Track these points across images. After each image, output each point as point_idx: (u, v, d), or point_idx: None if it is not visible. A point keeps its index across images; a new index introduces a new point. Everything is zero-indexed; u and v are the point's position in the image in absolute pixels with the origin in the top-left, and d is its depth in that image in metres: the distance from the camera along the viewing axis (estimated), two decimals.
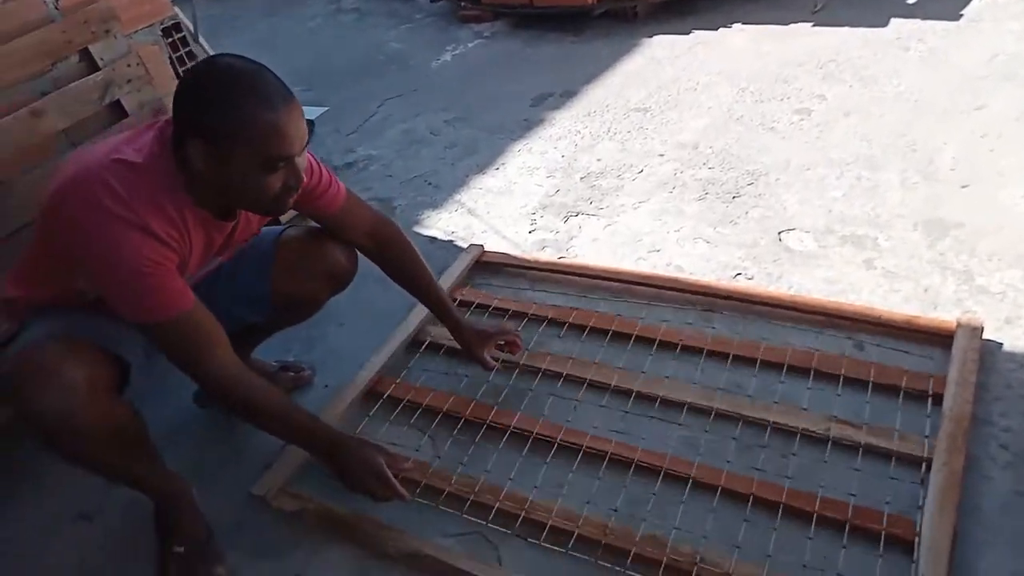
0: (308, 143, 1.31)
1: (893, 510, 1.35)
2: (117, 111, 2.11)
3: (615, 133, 2.72)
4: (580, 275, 2.05)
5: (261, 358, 1.91)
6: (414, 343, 1.96)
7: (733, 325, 1.80)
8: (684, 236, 2.14)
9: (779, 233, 2.07)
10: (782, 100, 2.68)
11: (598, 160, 2.58)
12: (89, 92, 2.00)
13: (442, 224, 2.44)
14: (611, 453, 1.55)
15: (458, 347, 1.85)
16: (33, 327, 1.36)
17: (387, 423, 1.73)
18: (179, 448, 1.68)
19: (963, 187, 2.07)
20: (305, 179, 1.32)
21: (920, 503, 1.34)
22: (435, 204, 2.56)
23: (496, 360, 1.78)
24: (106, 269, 1.24)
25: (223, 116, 1.20)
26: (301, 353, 2.02)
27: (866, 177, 2.20)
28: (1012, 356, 1.58)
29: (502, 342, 1.79)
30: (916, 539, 1.28)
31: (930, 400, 1.52)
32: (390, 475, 1.50)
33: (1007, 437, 1.44)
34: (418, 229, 2.43)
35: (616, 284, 2.00)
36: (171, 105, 1.25)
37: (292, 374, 1.92)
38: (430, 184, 2.68)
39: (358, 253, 1.69)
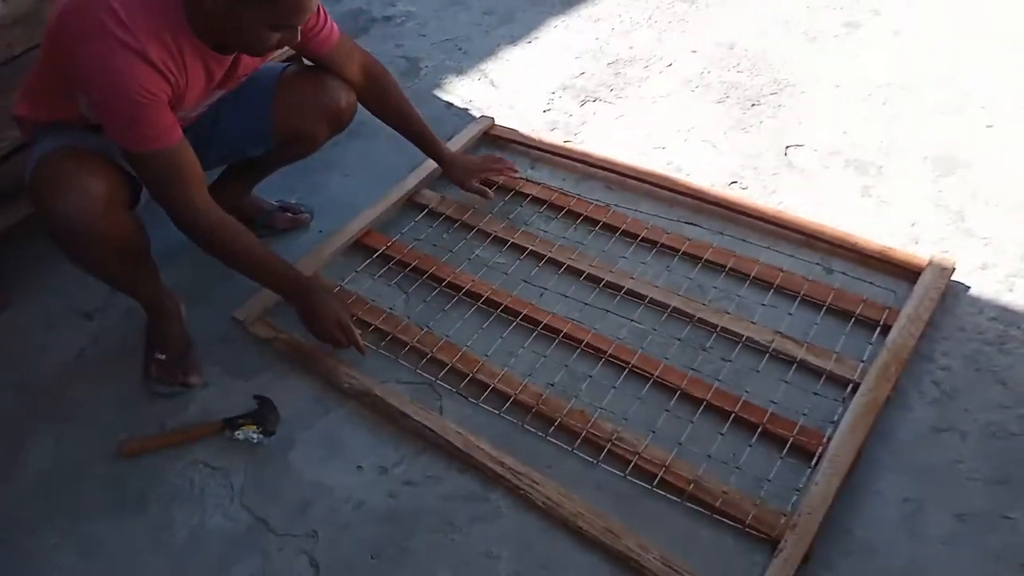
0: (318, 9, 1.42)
1: (809, 423, 1.41)
2: None
3: (655, 22, 2.64)
4: (580, 161, 2.06)
5: (262, 196, 2.01)
6: (411, 203, 2.03)
7: (714, 231, 1.82)
8: (692, 137, 2.12)
9: (786, 147, 2.04)
10: (835, 10, 2.55)
11: (630, 48, 2.52)
12: None
13: (462, 92, 2.45)
14: (564, 332, 1.63)
15: (452, 216, 1.94)
16: (46, 140, 1.45)
17: (372, 278, 1.83)
18: (176, 267, 1.81)
19: (988, 126, 1.99)
20: (298, 39, 1.41)
21: (834, 419, 1.41)
22: (460, 70, 2.55)
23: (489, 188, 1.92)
24: (102, 92, 1.31)
25: None
26: (304, 196, 2.11)
27: (892, 102, 2.12)
28: (975, 301, 1.59)
29: (488, 176, 1.91)
30: (819, 449, 1.36)
31: (878, 330, 1.55)
32: (351, 325, 1.60)
33: (942, 375, 1.47)
34: (438, 93, 2.44)
35: (612, 175, 2.02)
36: None
37: (290, 215, 2.02)
38: (460, 49, 2.66)
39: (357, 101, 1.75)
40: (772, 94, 2.22)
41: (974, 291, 1.61)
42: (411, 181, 2.05)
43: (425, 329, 1.68)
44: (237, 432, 1.52)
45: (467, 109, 2.36)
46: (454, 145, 2.12)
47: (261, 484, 1.47)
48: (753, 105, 2.19)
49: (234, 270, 1.55)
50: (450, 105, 2.39)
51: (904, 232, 1.76)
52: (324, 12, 1.59)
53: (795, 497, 1.31)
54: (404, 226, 1.96)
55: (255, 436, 1.52)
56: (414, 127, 1.86)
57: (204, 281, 1.83)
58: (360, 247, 1.92)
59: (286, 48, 1.84)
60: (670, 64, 2.42)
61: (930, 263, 1.62)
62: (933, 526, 1.27)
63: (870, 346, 1.52)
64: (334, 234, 1.93)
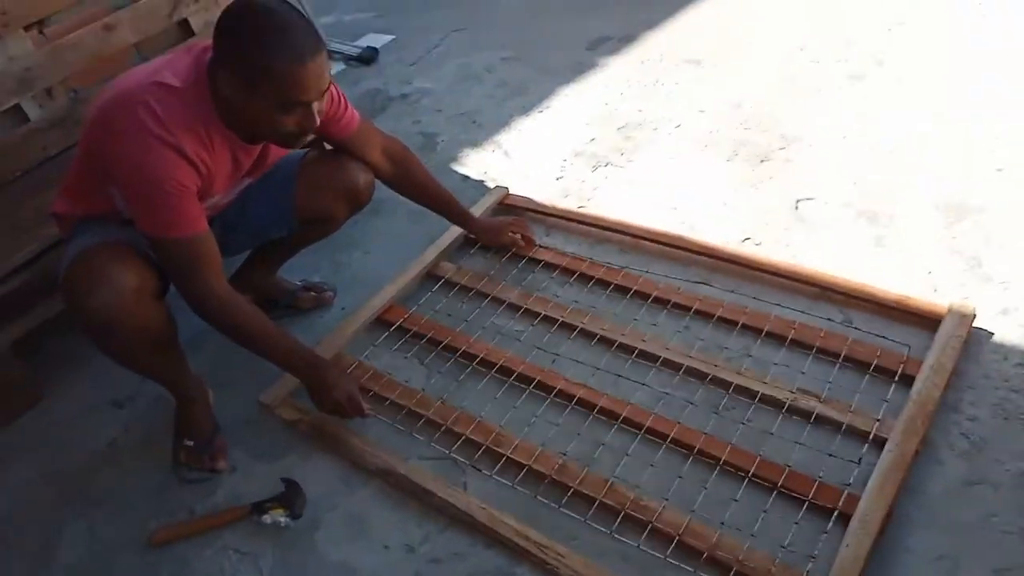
0: (328, 86, 1.43)
1: (834, 481, 1.39)
2: (185, 29, 2.27)
3: (662, 84, 2.70)
4: (594, 226, 2.10)
5: (288, 275, 2.07)
6: (429, 276, 2.07)
7: (727, 289, 1.83)
8: (704, 196, 2.15)
9: (797, 201, 2.05)
10: (838, 63, 2.59)
11: (639, 111, 2.58)
12: (159, 8, 2.16)
13: (477, 164, 2.52)
14: (578, 398, 1.64)
15: (468, 286, 1.98)
16: (81, 236, 1.52)
17: (390, 352, 1.86)
18: (202, 353, 1.87)
19: (998, 170, 1.99)
20: (317, 121, 1.43)
21: (849, 480, 1.39)
22: (475, 143, 2.62)
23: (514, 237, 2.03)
24: (135, 180, 1.38)
25: (252, 55, 1.33)
26: (328, 275, 2.17)
27: (899, 151, 2.13)
28: (999, 347, 1.57)
29: (515, 233, 2.02)
30: (839, 506, 1.34)
31: (896, 382, 1.53)
32: (358, 396, 1.62)
33: (970, 426, 1.44)
34: (454, 166, 2.51)
35: (626, 238, 2.05)
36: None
37: (314, 294, 2.07)
38: (474, 123, 2.74)
39: (375, 180, 1.82)
40: (780, 149, 2.25)
41: (997, 337, 1.58)
42: (430, 254, 2.10)
43: (440, 401, 1.70)
44: (265, 516, 1.53)
45: (482, 180, 2.42)
46: None
47: (289, 567, 1.48)
48: (762, 161, 2.22)
49: (249, 350, 1.58)
50: (466, 177, 2.45)
51: (921, 280, 1.75)
52: (344, 99, 1.67)
53: (817, 551, 1.28)
54: (422, 298, 1.99)
55: (283, 520, 1.53)
56: (441, 200, 1.94)
57: (229, 366, 1.87)
58: (381, 322, 1.96)
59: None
60: (678, 125, 2.46)
61: (950, 310, 1.61)
62: None
63: (885, 402, 1.50)
64: (357, 311, 1.97)
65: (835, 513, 1.35)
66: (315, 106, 1.41)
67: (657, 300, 1.83)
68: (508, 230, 2.03)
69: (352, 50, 3.37)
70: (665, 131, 2.45)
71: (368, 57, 3.32)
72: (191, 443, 1.70)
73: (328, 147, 1.81)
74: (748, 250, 1.93)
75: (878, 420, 1.47)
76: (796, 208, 2.03)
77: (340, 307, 2.06)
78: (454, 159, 2.56)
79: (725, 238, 1.98)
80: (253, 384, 1.81)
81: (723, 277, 1.87)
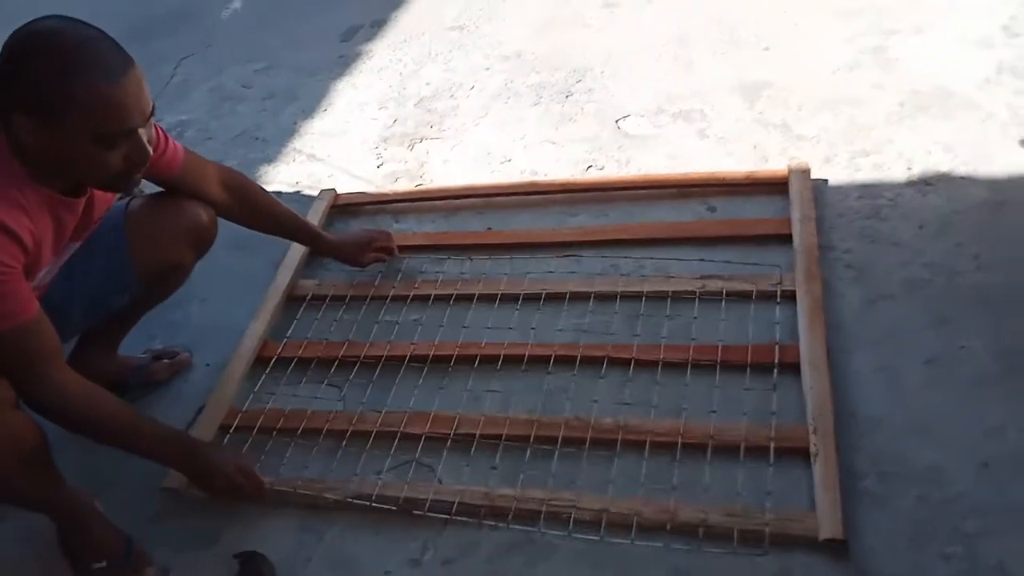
0: (152, 112, 1.21)
1: (763, 342, 1.51)
2: None
3: (436, 55, 2.70)
4: (441, 198, 2.06)
5: (124, 354, 1.79)
6: (292, 299, 1.90)
7: (597, 216, 1.90)
8: (529, 142, 2.19)
9: (616, 121, 2.17)
10: None
11: (427, 84, 2.56)
12: None
13: (283, 176, 2.34)
14: (504, 354, 1.61)
15: (339, 295, 1.85)
16: None
17: (295, 388, 1.69)
18: (65, 454, 1.55)
19: (765, 49, 2.26)
20: (150, 151, 1.21)
21: (775, 337, 1.51)
22: (269, 158, 2.44)
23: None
24: None
25: (47, 88, 1.09)
26: (168, 339, 1.90)
27: (681, 55, 2.34)
28: (838, 189, 1.79)
29: (379, 247, 1.85)
30: (775, 359, 1.47)
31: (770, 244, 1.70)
32: (255, 470, 1.45)
33: (849, 258, 1.64)
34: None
35: (478, 200, 2.03)
36: None
37: (167, 361, 1.80)
38: (257, 139, 2.54)
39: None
40: (578, 81, 2.36)
41: (832, 182, 1.81)
42: (283, 278, 1.92)
43: (382, 411, 1.58)
44: None
45: (299, 191, 2.26)
46: None
47: None
48: (567, 96, 2.31)
49: (107, 445, 1.36)
50: (279, 193, 2.26)
51: (752, 156, 1.94)
52: (162, 130, 1.44)
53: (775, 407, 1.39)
54: (295, 323, 1.83)
55: None
56: (290, 223, 1.76)
57: (102, 464, 1.58)
58: (264, 362, 1.77)
59: None
60: (472, 87, 2.48)
61: (791, 171, 1.80)
62: (912, 380, 1.41)
63: (777, 267, 1.64)
64: (230, 360, 1.76)
65: (776, 367, 1.46)
66: (141, 133, 1.17)
67: (537, 245, 1.84)
68: (370, 248, 1.84)
69: None
70: (462, 95, 2.46)
71: None
72: (102, 565, 1.42)
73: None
74: (597, 176, 2.01)
75: (779, 280, 1.61)
76: (618, 127, 2.15)
77: (204, 364, 1.82)
78: (254, 180, 2.35)
79: (570, 172, 2.04)
80: (143, 476, 1.55)
81: (586, 206, 1.93)
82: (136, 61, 1.16)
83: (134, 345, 1.80)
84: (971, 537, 1.19)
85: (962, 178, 1.72)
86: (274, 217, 1.72)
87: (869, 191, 1.76)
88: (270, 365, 1.75)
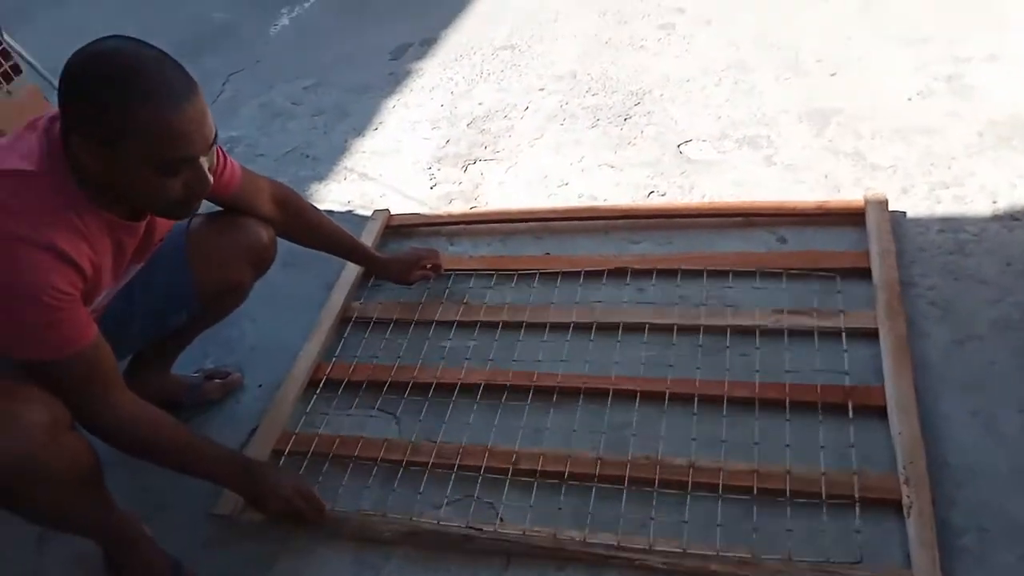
0: (215, 140, 1.17)
1: (854, 382, 1.44)
2: None
3: (488, 74, 2.66)
4: (498, 221, 2.01)
5: (177, 371, 1.75)
6: (343, 321, 1.86)
7: (659, 243, 1.84)
8: (587, 165, 2.14)
9: (678, 146, 2.11)
10: (643, 18, 2.72)
11: (479, 104, 2.52)
12: None
13: (335, 195, 2.31)
14: (559, 388, 1.55)
15: (388, 318, 1.81)
16: None
17: (347, 413, 1.64)
18: (113, 475, 1.50)
19: (831, 75, 2.20)
20: (211, 180, 1.16)
21: (844, 380, 1.44)
22: (320, 176, 2.41)
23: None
24: (4, 305, 1.07)
25: (109, 112, 1.05)
26: (221, 358, 1.87)
27: (742, 80, 2.28)
28: (917, 222, 1.71)
29: (427, 265, 1.83)
30: (848, 403, 1.39)
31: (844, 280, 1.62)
32: (311, 489, 1.42)
33: (933, 295, 1.56)
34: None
35: (536, 224, 1.98)
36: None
37: (219, 381, 1.77)
38: (308, 157, 2.52)
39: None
40: (636, 104, 2.31)
41: (911, 214, 1.73)
42: (337, 298, 1.88)
43: (437, 442, 1.53)
44: None
45: (351, 211, 2.23)
46: None
47: None
48: (625, 120, 2.26)
49: (167, 468, 1.33)
50: (330, 212, 2.24)
51: (823, 184, 1.87)
52: (221, 149, 1.41)
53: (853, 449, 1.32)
54: (355, 347, 1.78)
55: None
56: (339, 241, 1.72)
57: (152, 487, 1.55)
58: (315, 384, 1.72)
59: None
60: (527, 108, 2.44)
61: (867, 202, 1.73)
62: (1009, 427, 1.33)
63: (837, 294, 1.58)
64: (284, 381, 1.71)
65: (852, 409, 1.39)
66: (203, 161, 1.13)
67: (591, 275, 1.78)
68: (418, 266, 1.82)
69: None
70: (516, 116, 2.42)
71: None
72: None
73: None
74: (658, 202, 1.95)
75: (842, 313, 1.53)
76: (680, 152, 2.09)
77: (256, 385, 1.78)
78: (306, 198, 2.33)
79: (631, 197, 1.99)
80: (193, 500, 1.51)
81: (648, 234, 1.87)
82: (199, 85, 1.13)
83: (186, 364, 1.77)
84: None
85: None
86: (325, 234, 1.70)
87: (951, 225, 1.68)
88: (320, 386, 1.71)
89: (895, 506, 1.25)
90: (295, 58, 3.14)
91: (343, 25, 3.30)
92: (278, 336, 1.88)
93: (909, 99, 2.03)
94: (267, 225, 1.55)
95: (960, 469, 1.29)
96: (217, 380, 1.77)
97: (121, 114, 1.04)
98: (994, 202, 1.70)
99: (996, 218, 1.67)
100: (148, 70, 1.06)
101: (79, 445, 1.21)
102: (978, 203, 1.71)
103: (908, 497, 1.24)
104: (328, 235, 1.70)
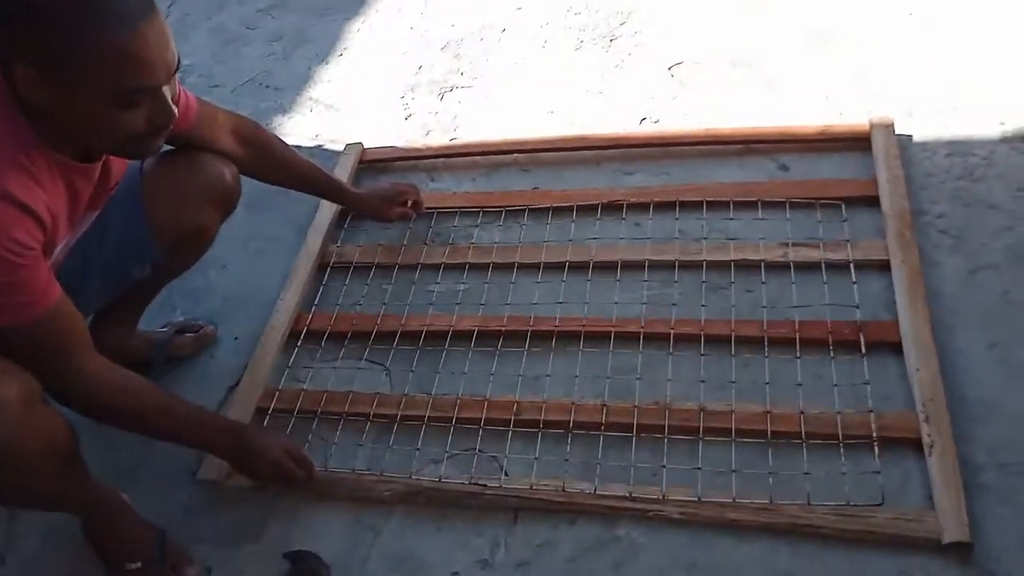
0: (178, 66, 1.03)
1: (866, 316, 1.38)
2: None
3: None
4: (481, 153, 1.88)
5: (143, 328, 1.63)
6: (323, 267, 1.74)
7: (655, 174, 1.74)
8: (574, 91, 2.01)
9: (669, 69, 1.99)
10: None
11: (452, 26, 2.35)
12: None
13: (300, 129, 2.15)
14: (557, 332, 1.48)
15: (369, 262, 1.70)
16: None
17: (334, 367, 1.55)
18: (87, 445, 1.40)
19: None
20: (175, 112, 1.04)
21: (856, 315, 1.38)
22: (284, 108, 2.24)
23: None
24: None
25: (55, 34, 0.91)
26: (189, 309, 1.75)
27: None
28: (924, 145, 1.64)
29: (408, 201, 1.70)
30: (861, 338, 1.34)
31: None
32: (303, 451, 1.33)
33: (943, 223, 1.50)
34: None
35: (523, 156, 1.86)
36: None
37: (191, 335, 1.65)
38: (268, 87, 2.34)
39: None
40: (621, 24, 2.16)
41: (917, 138, 1.65)
42: (313, 242, 1.76)
43: (431, 394, 1.45)
44: None
45: (320, 145, 2.08)
46: None
47: None
48: (611, 40, 2.12)
49: (143, 434, 1.26)
50: (298, 147, 2.05)
51: (825, 108, 1.78)
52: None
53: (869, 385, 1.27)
54: (335, 294, 1.68)
55: None
56: (310, 176, 1.59)
57: (126, 455, 1.45)
58: (296, 335, 1.62)
59: None
60: (504, 29, 2.28)
61: (872, 126, 1.64)
62: None
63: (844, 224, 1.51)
64: (257, 336, 1.61)
65: (867, 345, 1.34)
66: (165, 91, 1.00)
67: (583, 209, 1.68)
68: (397, 201, 1.69)
69: None
70: (493, 39, 2.26)
71: None
72: (136, 566, 1.29)
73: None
74: (652, 129, 1.84)
75: (849, 245, 1.47)
76: (672, 76, 1.97)
77: (232, 338, 1.67)
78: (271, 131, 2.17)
79: (623, 126, 1.87)
80: (172, 467, 1.43)
81: (642, 164, 1.77)
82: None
83: (153, 319, 1.65)
84: None
85: None
86: (295, 170, 1.56)
87: (959, 148, 1.61)
88: (301, 337, 1.60)
89: (914, 445, 1.22)
90: None
91: None
92: (251, 284, 1.76)
93: (911, 14, 1.93)
94: (228, 161, 1.41)
95: (977, 404, 1.25)
96: (189, 334, 1.65)
97: (69, 38, 0.91)
98: (1002, 123, 1.63)
99: (1005, 140, 1.60)
100: None
101: (53, 419, 1.12)
102: (986, 125, 1.64)
103: (929, 436, 1.20)
104: (298, 171, 1.56)
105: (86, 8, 0.91)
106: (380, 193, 1.71)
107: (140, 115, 1.00)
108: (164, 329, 1.65)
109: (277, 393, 1.50)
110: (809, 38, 1.95)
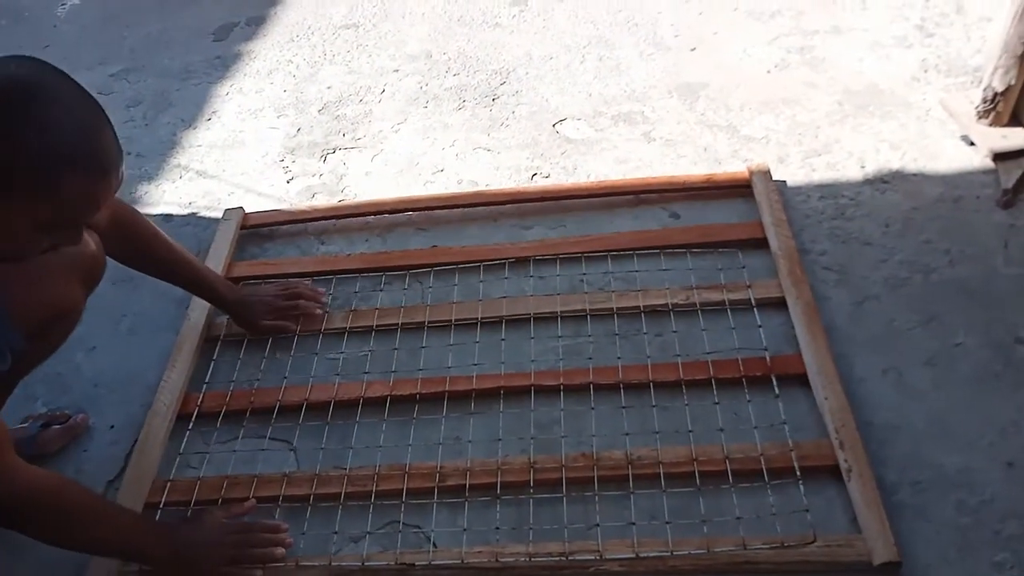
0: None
1: (753, 354, 1.43)
2: None
3: (333, 55, 2.44)
4: (373, 213, 1.83)
5: None
6: (208, 341, 1.61)
7: (551, 227, 1.75)
8: (462, 149, 2.01)
9: (553, 125, 2.04)
10: None
11: (328, 88, 2.30)
12: None
13: (170, 196, 2.01)
14: (476, 391, 1.44)
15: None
16: None
17: (232, 450, 1.41)
18: None
19: (692, 50, 2.21)
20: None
21: (764, 347, 1.44)
22: (149, 175, 2.09)
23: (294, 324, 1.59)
24: None
25: (13, 160, 0.87)
26: (54, 399, 1.56)
27: (607, 56, 2.25)
28: (798, 190, 1.76)
29: (297, 301, 1.58)
30: (772, 375, 1.39)
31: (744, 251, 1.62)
32: (258, 529, 1.25)
33: (826, 259, 1.60)
34: (143, 208, 1.97)
35: (416, 214, 1.82)
36: None
37: (59, 427, 1.47)
38: (130, 153, 2.17)
39: None
40: (502, 84, 2.20)
41: (791, 183, 1.77)
42: (197, 317, 1.62)
43: (347, 468, 1.35)
44: None
45: (194, 213, 1.95)
46: (214, 256, 1.74)
47: None
48: (494, 100, 2.15)
49: (71, 546, 1.12)
50: (169, 216, 1.94)
51: (703, 158, 1.87)
52: None
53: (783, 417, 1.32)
54: (228, 370, 1.55)
55: None
56: (181, 270, 1.48)
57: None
58: (185, 418, 1.47)
59: None
60: (383, 90, 2.26)
61: (752, 173, 1.75)
62: (919, 382, 1.38)
63: (740, 267, 1.58)
64: (138, 423, 1.45)
65: (773, 380, 1.38)
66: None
67: (490, 267, 1.66)
68: (273, 306, 1.57)
69: None
70: (373, 100, 2.23)
71: None
72: None
73: None
74: (547, 184, 1.86)
75: (749, 286, 1.53)
76: (557, 132, 2.02)
77: (108, 427, 1.50)
78: (136, 201, 2.01)
79: (514, 181, 1.88)
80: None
81: (539, 218, 1.78)
82: None
83: (14, 412, 1.44)
84: (1014, 540, 1.16)
85: (915, 175, 1.74)
86: (163, 256, 1.45)
87: (828, 191, 1.74)
88: (192, 420, 1.46)
89: (832, 471, 1.26)
90: (93, 42, 2.72)
91: (145, 5, 2.90)
92: (126, 366, 1.60)
93: (768, 71, 2.09)
94: (89, 230, 1.28)
95: (882, 428, 1.32)
96: (55, 426, 1.47)
97: (41, 174, 0.88)
98: (863, 167, 1.78)
99: (868, 182, 1.75)
100: (85, 129, 0.91)
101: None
102: (849, 169, 1.78)
103: (846, 461, 1.24)
104: (173, 261, 1.46)
105: (69, 153, 0.89)
106: (257, 299, 1.58)
107: (54, 237, 0.97)
108: (25, 424, 1.45)
109: (168, 484, 1.35)
110: (678, 93, 2.07)
